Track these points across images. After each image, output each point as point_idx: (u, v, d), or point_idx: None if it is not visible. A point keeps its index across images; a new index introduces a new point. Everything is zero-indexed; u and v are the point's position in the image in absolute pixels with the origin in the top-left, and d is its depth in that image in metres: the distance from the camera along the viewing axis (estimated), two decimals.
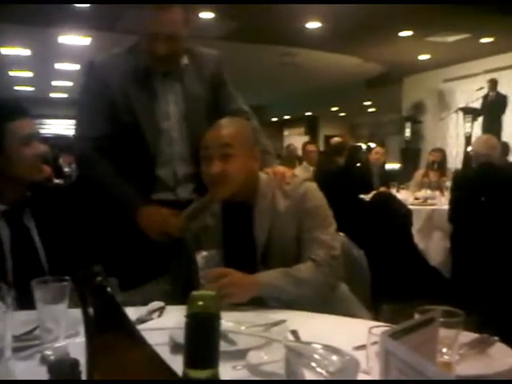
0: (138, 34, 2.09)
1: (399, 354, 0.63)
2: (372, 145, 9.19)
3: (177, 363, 0.63)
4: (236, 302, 1.56)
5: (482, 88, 9.40)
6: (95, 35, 8.90)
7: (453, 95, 11.64)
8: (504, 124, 9.30)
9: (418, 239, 4.94)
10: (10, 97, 7.99)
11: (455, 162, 9.70)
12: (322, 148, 11.70)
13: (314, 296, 1.67)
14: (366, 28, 8.26)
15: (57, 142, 12.32)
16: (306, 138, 17.56)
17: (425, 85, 12.26)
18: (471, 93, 10.04)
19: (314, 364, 0.84)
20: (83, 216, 2.15)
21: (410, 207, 5.10)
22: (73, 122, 2.32)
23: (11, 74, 13.07)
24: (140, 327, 0.70)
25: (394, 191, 5.93)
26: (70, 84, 13.55)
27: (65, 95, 15.75)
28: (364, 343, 1.03)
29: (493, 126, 8.82)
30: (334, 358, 0.86)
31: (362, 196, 5.69)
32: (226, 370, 0.65)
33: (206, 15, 7.77)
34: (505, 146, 6.59)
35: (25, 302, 1.18)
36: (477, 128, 9.22)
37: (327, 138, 14.77)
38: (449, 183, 5.28)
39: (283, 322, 1.41)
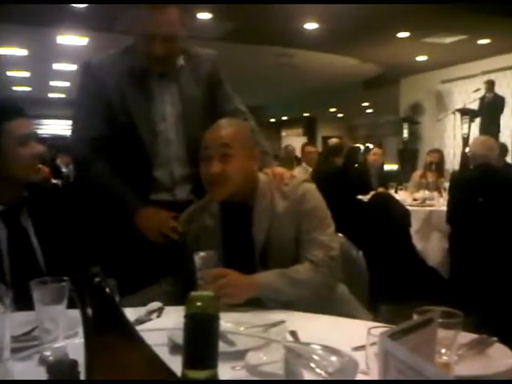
0: (135, 35, 2.08)
1: (398, 355, 0.63)
2: (370, 146, 9.20)
3: (176, 364, 0.63)
4: (233, 302, 1.56)
5: (479, 89, 9.41)
6: (92, 35, 8.89)
7: (450, 96, 11.66)
8: (501, 125, 9.30)
9: (416, 240, 4.94)
10: (7, 97, 7.99)
11: (453, 163, 9.72)
12: (319, 149, 11.72)
13: (312, 297, 1.67)
14: (364, 29, 8.27)
15: (54, 142, 12.32)
16: (303, 139, 17.56)
17: (422, 86, 12.27)
18: (469, 94, 10.06)
19: (312, 364, 0.84)
20: (81, 216, 2.15)
21: (409, 208, 5.10)
22: (70, 122, 2.32)
23: (9, 74, 13.05)
24: (139, 328, 0.70)
25: (392, 192, 5.93)
26: (68, 84, 13.54)
27: (62, 95, 15.72)
28: (363, 344, 1.03)
29: (490, 127, 8.83)
30: (333, 358, 0.86)
31: (360, 197, 5.69)
32: (224, 371, 0.65)
33: (203, 16, 7.77)
34: (502, 147, 6.60)
35: (22, 302, 1.18)
36: (474, 129, 9.24)
37: (325, 139, 14.79)
38: (447, 184, 5.28)
39: (282, 322, 1.41)
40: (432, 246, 4.91)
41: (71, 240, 1.91)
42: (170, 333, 1.20)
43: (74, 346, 0.86)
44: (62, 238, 1.88)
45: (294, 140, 16.45)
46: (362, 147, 11.63)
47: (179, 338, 0.88)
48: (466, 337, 1.22)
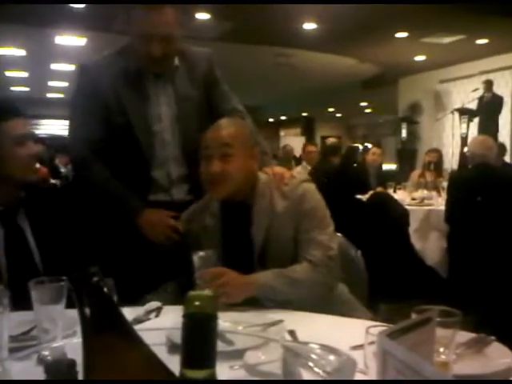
0: (132, 35, 2.08)
1: (396, 354, 0.63)
2: (368, 145, 9.20)
3: (174, 363, 0.63)
4: (231, 302, 1.56)
5: (477, 89, 9.42)
6: (91, 36, 8.89)
7: (449, 96, 11.67)
8: (500, 125, 9.31)
9: (414, 239, 4.94)
10: (4, 97, 7.98)
11: (451, 162, 9.72)
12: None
13: (311, 296, 1.67)
14: (362, 29, 8.27)
15: (53, 142, 12.31)
16: (302, 139, 17.58)
17: (421, 86, 12.28)
18: (467, 94, 10.07)
19: (311, 364, 0.84)
20: (78, 217, 2.15)
21: (407, 207, 5.11)
22: (68, 123, 2.31)
23: (7, 74, 13.03)
24: (137, 327, 0.69)
25: (390, 192, 5.93)
26: (66, 84, 13.53)
27: (61, 95, 15.71)
28: (361, 343, 1.03)
29: (489, 127, 8.84)
30: (331, 357, 0.86)
31: (359, 196, 5.69)
32: (223, 370, 0.65)
33: (202, 16, 7.77)
34: (501, 146, 6.61)
35: (19, 302, 1.18)
36: (473, 129, 9.24)
37: (323, 139, 14.79)
38: (445, 184, 5.28)
39: (280, 322, 1.41)
40: (430, 246, 4.92)
41: (68, 240, 1.91)
42: (169, 332, 1.20)
43: (73, 346, 0.86)
44: (59, 238, 1.88)
45: (293, 140, 16.45)
46: (360, 147, 11.61)
47: (177, 338, 0.88)
48: (465, 336, 1.22)
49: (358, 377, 0.91)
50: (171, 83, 2.17)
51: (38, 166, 1.92)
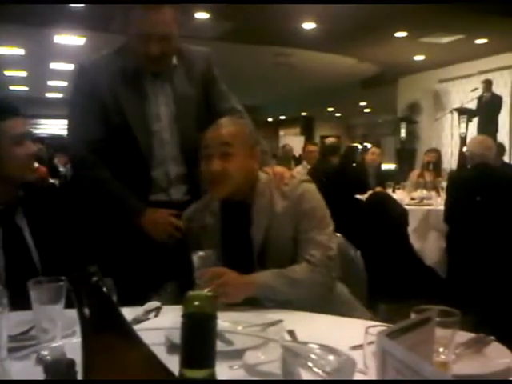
0: (130, 35, 2.07)
1: (396, 354, 0.63)
2: (368, 145, 9.20)
3: (173, 363, 0.63)
4: (231, 301, 1.56)
5: (476, 89, 9.42)
6: (90, 35, 8.89)
7: (448, 96, 11.67)
8: (499, 124, 9.31)
9: (413, 239, 4.94)
10: (2, 96, 7.97)
11: (450, 162, 9.72)
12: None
13: (310, 296, 1.67)
14: (361, 28, 8.27)
15: (52, 141, 12.32)
16: (301, 139, 17.59)
17: (420, 85, 12.29)
18: (466, 93, 10.08)
19: (310, 364, 0.84)
20: (77, 216, 2.14)
21: (406, 207, 5.11)
22: (67, 123, 2.31)
23: (6, 73, 13.03)
24: (136, 327, 0.69)
25: (389, 191, 5.94)
26: (65, 84, 13.52)
27: (60, 95, 15.71)
28: (361, 343, 1.03)
29: (488, 127, 8.84)
30: (331, 357, 0.86)
31: (358, 196, 5.69)
32: (222, 370, 0.65)
33: (201, 15, 7.77)
34: (500, 146, 6.61)
35: (18, 302, 1.18)
36: (472, 128, 9.25)
37: (323, 139, 14.80)
38: (444, 183, 5.29)
39: (280, 321, 1.41)
40: (429, 246, 4.92)
41: (66, 240, 1.91)
42: (168, 332, 1.20)
43: (72, 346, 0.86)
44: (57, 237, 1.87)
45: (292, 139, 16.46)
46: (359, 146, 11.62)
47: (177, 338, 0.88)
48: (464, 336, 1.22)
49: (358, 377, 0.91)
50: (169, 82, 2.17)
51: (36, 165, 1.92)
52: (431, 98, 12.02)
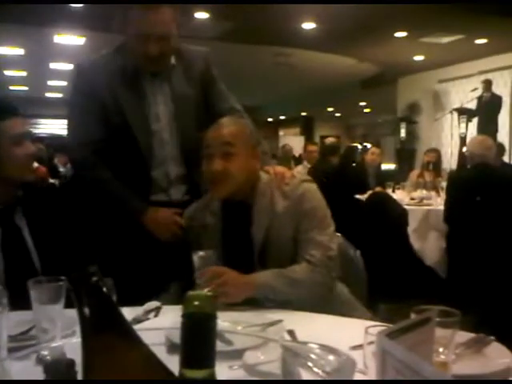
0: (129, 35, 2.06)
1: (396, 354, 0.63)
2: (367, 145, 9.20)
3: (173, 363, 0.62)
4: (231, 301, 1.56)
5: (476, 89, 9.42)
6: (90, 35, 8.89)
7: (447, 96, 11.67)
8: (499, 124, 9.31)
9: (413, 239, 4.94)
10: (1, 96, 7.97)
11: (450, 162, 9.73)
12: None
13: (310, 296, 1.67)
14: (361, 29, 8.27)
15: (52, 141, 12.31)
16: (301, 139, 17.59)
17: (420, 85, 12.29)
18: (466, 93, 10.08)
19: (310, 364, 0.84)
20: (76, 216, 2.14)
21: (406, 207, 5.11)
22: (66, 123, 2.30)
23: (6, 73, 13.02)
24: (136, 327, 0.69)
25: (389, 191, 5.94)
26: (65, 83, 13.51)
27: (59, 95, 15.71)
28: (361, 343, 1.03)
29: (488, 127, 8.84)
30: (331, 357, 0.86)
31: (357, 196, 5.69)
32: (222, 370, 0.65)
33: (201, 15, 7.77)
34: (500, 146, 6.61)
35: (17, 302, 1.17)
36: (472, 128, 9.25)
37: (322, 139, 14.80)
38: (444, 183, 5.29)
39: (280, 321, 1.41)
40: (429, 246, 4.92)
41: (66, 239, 1.90)
42: (168, 332, 1.20)
43: (72, 346, 0.86)
44: (57, 237, 1.87)
45: (292, 139, 16.46)
46: (359, 146, 11.62)
47: (177, 338, 0.88)
48: (464, 336, 1.22)
49: (358, 377, 0.91)
50: (168, 82, 2.16)
51: (36, 165, 1.92)
52: (431, 98, 12.02)
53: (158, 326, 1.41)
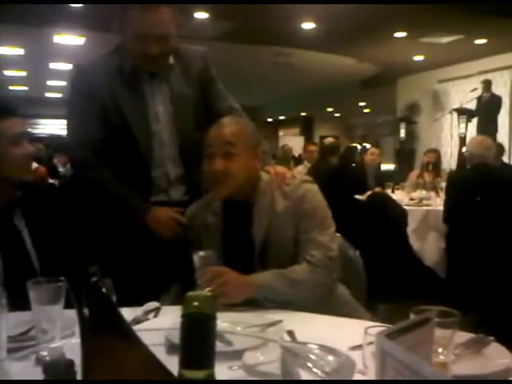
0: (128, 35, 2.05)
1: (395, 354, 0.63)
2: (367, 145, 9.20)
3: (173, 364, 0.62)
4: (230, 301, 1.56)
5: (476, 89, 9.43)
6: (89, 35, 8.89)
7: (447, 96, 11.67)
8: (499, 124, 9.32)
9: (413, 239, 4.95)
10: (0, 96, 7.96)
11: (450, 162, 9.72)
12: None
13: (310, 297, 1.67)
14: (361, 29, 8.27)
15: (51, 141, 12.31)
16: (301, 139, 17.60)
17: (419, 86, 12.29)
18: (465, 94, 10.08)
19: (309, 364, 0.84)
20: (76, 216, 2.14)
21: (405, 208, 5.11)
22: (66, 123, 2.30)
23: (5, 73, 13.02)
24: (136, 328, 0.69)
25: (389, 192, 5.94)
26: (65, 84, 13.51)
27: (59, 95, 15.70)
28: (360, 343, 1.03)
29: (488, 127, 8.84)
30: (330, 358, 0.86)
31: (357, 196, 5.69)
32: (222, 371, 0.65)
33: (201, 15, 7.77)
34: (499, 146, 6.61)
35: (15, 302, 1.17)
36: (471, 129, 9.25)
37: (322, 139, 14.81)
38: (444, 184, 5.29)
39: (279, 322, 1.41)
40: (429, 246, 4.92)
41: (65, 240, 1.90)
42: (167, 332, 1.20)
43: (71, 346, 0.86)
44: (56, 237, 1.87)
45: (292, 139, 16.48)
46: (359, 147, 11.63)
47: (176, 338, 0.88)
48: (463, 336, 1.22)
49: (357, 377, 0.91)
50: (166, 82, 2.16)
51: (36, 165, 1.92)
52: (431, 99, 12.02)
53: (158, 326, 1.41)
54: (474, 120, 9.29)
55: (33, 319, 1.23)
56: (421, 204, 5.31)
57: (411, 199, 5.50)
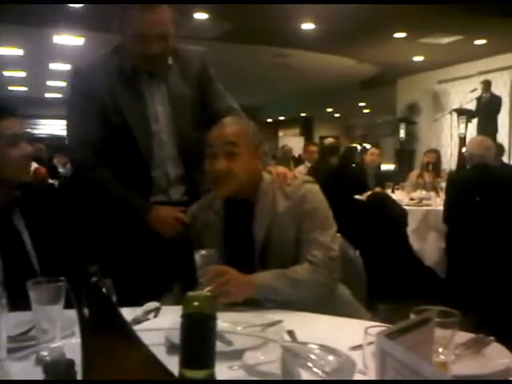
0: (127, 35, 2.05)
1: (395, 354, 0.63)
2: (367, 146, 9.21)
3: (173, 364, 0.62)
4: (231, 300, 1.57)
5: (475, 89, 9.43)
6: (89, 35, 8.89)
7: (447, 96, 11.68)
8: (499, 125, 9.32)
9: (413, 239, 4.95)
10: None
11: (450, 163, 9.72)
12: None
13: (311, 297, 1.67)
14: (360, 29, 8.28)
15: (51, 142, 12.32)
16: (300, 139, 17.60)
17: (419, 86, 12.30)
18: (465, 94, 10.09)
19: (310, 364, 0.84)
20: (75, 217, 2.14)
21: (405, 208, 5.11)
22: (66, 124, 2.30)
23: (5, 73, 13.02)
24: (136, 328, 0.69)
25: (389, 192, 5.94)
26: (64, 84, 13.50)
27: (59, 95, 15.70)
28: (360, 343, 1.03)
29: (488, 127, 8.84)
30: (331, 358, 0.86)
31: (357, 196, 5.69)
32: (222, 371, 0.65)
33: (200, 16, 7.77)
34: (499, 147, 6.61)
35: (15, 303, 1.17)
36: (471, 129, 9.25)
37: (322, 139, 14.81)
38: (443, 184, 5.29)
39: (280, 322, 1.41)
40: (429, 246, 4.92)
41: (64, 240, 1.90)
42: (167, 332, 1.20)
43: (71, 346, 0.86)
44: (56, 238, 1.87)
45: (291, 140, 16.48)
46: (358, 147, 11.63)
47: (176, 338, 0.88)
48: (463, 336, 1.22)
49: (357, 377, 0.91)
50: (165, 82, 2.16)
51: (36, 165, 1.92)
52: (430, 99, 12.03)
53: (158, 326, 1.41)
54: (474, 120, 9.29)
55: (33, 319, 1.23)
56: (421, 204, 5.31)
57: (411, 199, 5.50)
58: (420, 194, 5.65)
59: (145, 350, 0.66)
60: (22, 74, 13.31)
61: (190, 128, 2.14)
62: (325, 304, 1.66)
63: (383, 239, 4.79)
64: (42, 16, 7.51)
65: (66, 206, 2.13)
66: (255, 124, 2.12)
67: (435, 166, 6.51)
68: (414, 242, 4.94)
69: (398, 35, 8.88)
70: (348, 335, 1.22)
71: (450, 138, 10.34)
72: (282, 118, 22.32)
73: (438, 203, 5.15)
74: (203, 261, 1.63)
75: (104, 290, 0.66)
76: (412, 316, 0.90)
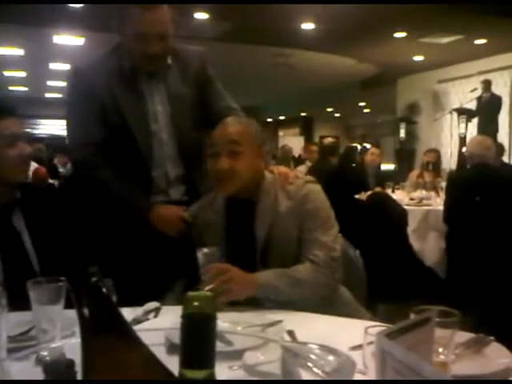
0: (127, 34, 2.05)
1: (395, 354, 0.63)
2: (367, 145, 9.20)
3: (173, 364, 0.62)
4: (233, 299, 1.57)
5: (476, 89, 9.43)
6: (89, 35, 8.89)
7: (447, 96, 11.68)
8: (499, 124, 9.32)
9: (413, 239, 4.95)
10: None
11: (450, 162, 9.73)
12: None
13: (313, 297, 1.67)
14: (361, 29, 8.27)
15: (51, 142, 12.32)
16: (301, 139, 17.61)
17: (419, 86, 12.29)
18: (465, 94, 10.08)
19: (310, 364, 0.84)
20: (75, 217, 2.14)
21: (406, 207, 5.11)
22: (66, 124, 2.30)
23: (5, 73, 13.01)
24: (136, 328, 0.69)
25: (389, 192, 5.93)
26: (65, 84, 13.49)
27: (59, 95, 15.69)
28: (360, 343, 1.03)
29: (488, 127, 8.84)
30: (331, 358, 0.86)
31: (357, 196, 5.69)
32: (222, 371, 0.65)
33: (200, 16, 7.77)
34: (499, 146, 6.61)
35: (14, 303, 1.17)
36: (471, 129, 9.25)
37: (322, 139, 14.81)
38: (444, 184, 5.29)
39: (280, 322, 1.41)
40: (429, 246, 4.92)
41: (64, 241, 1.90)
42: (167, 332, 1.20)
43: (71, 346, 0.86)
44: (56, 238, 1.86)
45: (291, 140, 16.48)
46: (359, 147, 11.63)
47: (176, 338, 0.88)
48: (463, 336, 1.22)
49: (357, 377, 0.91)
50: (164, 82, 2.16)
51: (36, 165, 1.91)
52: (430, 99, 12.02)
53: (158, 326, 1.41)
54: (474, 120, 9.29)
55: (33, 319, 1.23)
56: (421, 204, 5.31)
57: (411, 199, 5.50)
58: (420, 193, 5.65)
59: (145, 349, 0.66)
60: (22, 74, 13.31)
61: (189, 128, 2.14)
62: (325, 304, 1.66)
63: (383, 239, 4.79)
64: (42, 16, 7.51)
65: (66, 206, 2.12)
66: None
67: (435, 165, 6.50)
68: (414, 242, 4.94)
69: (398, 35, 8.88)
70: (348, 335, 1.22)
71: (450, 138, 10.34)
72: (282, 117, 22.32)
73: (438, 203, 5.15)
74: (205, 259, 1.63)
75: (104, 289, 0.66)
76: (412, 316, 0.90)
